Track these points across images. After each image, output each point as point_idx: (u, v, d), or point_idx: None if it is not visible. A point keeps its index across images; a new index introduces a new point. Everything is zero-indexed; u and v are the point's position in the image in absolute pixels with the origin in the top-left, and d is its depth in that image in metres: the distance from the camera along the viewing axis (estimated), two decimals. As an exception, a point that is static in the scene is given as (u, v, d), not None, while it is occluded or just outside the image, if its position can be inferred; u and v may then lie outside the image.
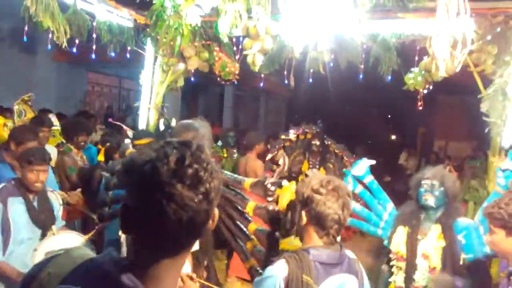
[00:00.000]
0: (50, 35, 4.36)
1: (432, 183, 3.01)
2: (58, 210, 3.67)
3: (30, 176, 3.24)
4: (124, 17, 5.16)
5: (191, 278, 2.13)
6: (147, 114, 5.64)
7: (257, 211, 2.70)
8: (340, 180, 1.99)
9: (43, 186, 3.46)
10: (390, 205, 3.41)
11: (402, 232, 3.09)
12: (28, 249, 3.18)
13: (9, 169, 3.90)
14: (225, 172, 3.19)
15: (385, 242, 3.27)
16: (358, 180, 3.54)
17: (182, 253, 1.02)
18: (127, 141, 5.09)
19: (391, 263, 3.14)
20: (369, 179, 3.49)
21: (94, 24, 4.85)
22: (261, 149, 6.30)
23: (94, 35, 4.89)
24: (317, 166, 5.93)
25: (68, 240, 3.09)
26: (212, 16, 4.66)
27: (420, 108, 5.05)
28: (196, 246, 2.59)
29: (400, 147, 12.25)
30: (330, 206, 1.84)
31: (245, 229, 2.81)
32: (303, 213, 1.90)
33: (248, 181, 2.85)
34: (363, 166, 3.48)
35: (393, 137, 15.74)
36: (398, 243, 3.07)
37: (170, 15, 4.22)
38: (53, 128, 5.67)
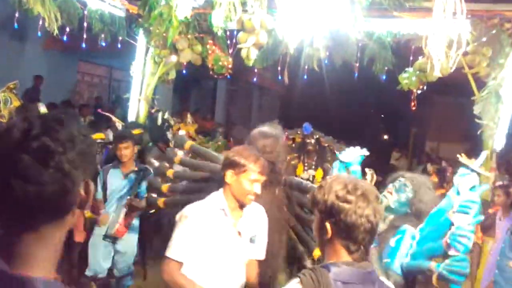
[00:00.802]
0: (41, 22, 4.27)
1: (405, 183, 2.72)
2: None
3: None
4: (116, 6, 5.06)
5: None
6: (137, 106, 5.57)
7: None
8: (365, 182, 1.74)
9: None
10: None
11: None
12: None
13: None
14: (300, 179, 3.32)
15: None
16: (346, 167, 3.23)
17: (47, 229, 0.96)
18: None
19: None
20: (355, 168, 3.15)
21: (86, 12, 4.76)
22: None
23: (85, 24, 4.79)
24: (313, 167, 5.80)
25: None
26: (206, 9, 4.59)
27: (414, 108, 5.02)
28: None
29: (391, 147, 12.26)
30: (362, 214, 1.55)
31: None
32: (327, 224, 1.59)
33: None
34: (352, 153, 3.18)
35: (385, 136, 15.76)
36: None
37: (162, 5, 4.16)
38: (41, 117, 5.58)
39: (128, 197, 4.12)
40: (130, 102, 5.58)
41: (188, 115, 6.68)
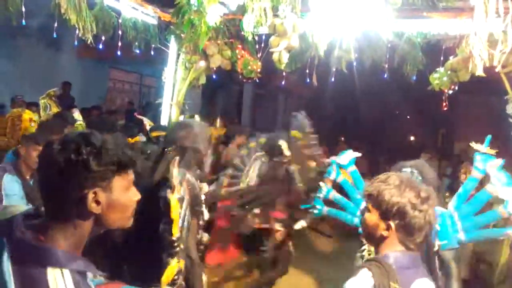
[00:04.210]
0: (77, 32, 4.42)
1: (411, 170, 3.05)
2: None
3: (34, 155, 3.50)
4: (149, 14, 5.21)
5: None
6: (169, 111, 5.70)
7: None
8: (429, 187, 1.82)
9: None
10: None
11: None
12: None
13: None
14: None
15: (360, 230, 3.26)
16: (342, 168, 3.71)
17: (73, 221, 1.21)
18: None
19: (364, 249, 3.22)
20: (352, 168, 3.63)
21: (120, 21, 4.91)
22: (242, 141, 6.41)
23: (120, 32, 4.94)
24: None
25: None
26: (236, 14, 4.68)
27: (445, 108, 4.97)
28: None
29: (420, 149, 12.07)
30: (428, 220, 1.67)
31: None
32: (392, 224, 1.68)
33: None
34: (348, 156, 3.65)
35: (412, 138, 15.52)
36: None
37: (193, 11, 4.25)
38: (77, 123, 5.75)
39: None
40: (162, 107, 5.71)
41: (218, 119, 6.78)
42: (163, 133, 5.31)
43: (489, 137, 3.17)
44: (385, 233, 1.70)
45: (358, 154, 3.70)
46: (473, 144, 3.23)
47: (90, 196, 1.18)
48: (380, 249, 1.73)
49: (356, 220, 3.45)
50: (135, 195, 1.31)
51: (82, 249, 1.25)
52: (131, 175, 1.28)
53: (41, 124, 4.79)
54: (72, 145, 1.17)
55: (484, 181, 3.15)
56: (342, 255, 5.72)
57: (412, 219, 1.65)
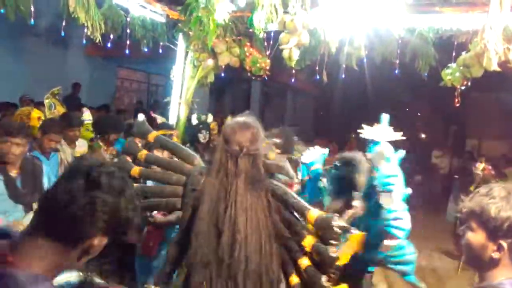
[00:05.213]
0: (86, 30, 4.41)
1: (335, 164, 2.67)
2: None
3: (2, 147, 3.28)
4: (157, 12, 5.18)
5: None
6: (178, 109, 5.68)
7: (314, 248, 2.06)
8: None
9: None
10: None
11: None
12: (4, 221, 3.19)
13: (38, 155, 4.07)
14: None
15: None
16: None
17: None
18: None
19: None
20: (316, 167, 3.12)
21: (128, 19, 4.90)
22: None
23: (128, 31, 4.93)
24: None
25: None
26: (244, 11, 4.64)
27: (457, 105, 4.88)
28: None
29: (431, 146, 11.95)
30: None
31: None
32: (504, 244, 1.44)
33: (313, 214, 2.07)
34: (314, 154, 3.20)
35: (423, 135, 15.34)
36: None
37: (201, 9, 4.22)
38: (86, 122, 5.72)
39: None
40: (171, 105, 5.69)
41: (229, 118, 6.72)
42: (169, 132, 5.29)
43: (385, 115, 2.39)
44: (496, 255, 1.46)
45: (326, 151, 3.24)
46: (362, 131, 2.44)
47: (98, 238, 1.19)
48: (489, 275, 1.50)
49: None
50: None
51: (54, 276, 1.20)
52: None
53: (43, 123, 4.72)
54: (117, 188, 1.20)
55: None
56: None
57: None
